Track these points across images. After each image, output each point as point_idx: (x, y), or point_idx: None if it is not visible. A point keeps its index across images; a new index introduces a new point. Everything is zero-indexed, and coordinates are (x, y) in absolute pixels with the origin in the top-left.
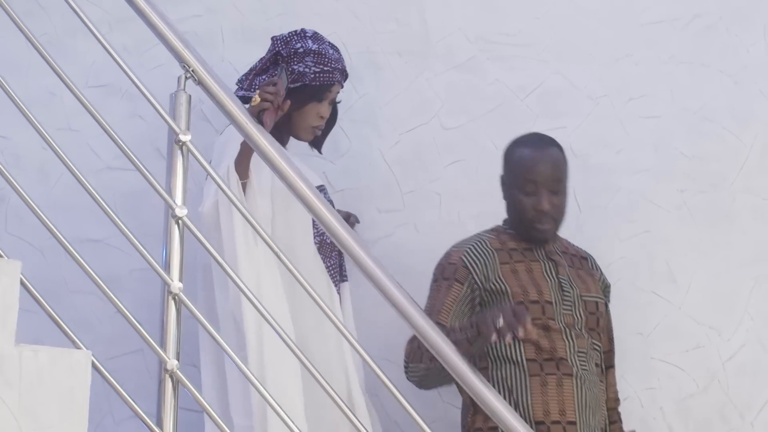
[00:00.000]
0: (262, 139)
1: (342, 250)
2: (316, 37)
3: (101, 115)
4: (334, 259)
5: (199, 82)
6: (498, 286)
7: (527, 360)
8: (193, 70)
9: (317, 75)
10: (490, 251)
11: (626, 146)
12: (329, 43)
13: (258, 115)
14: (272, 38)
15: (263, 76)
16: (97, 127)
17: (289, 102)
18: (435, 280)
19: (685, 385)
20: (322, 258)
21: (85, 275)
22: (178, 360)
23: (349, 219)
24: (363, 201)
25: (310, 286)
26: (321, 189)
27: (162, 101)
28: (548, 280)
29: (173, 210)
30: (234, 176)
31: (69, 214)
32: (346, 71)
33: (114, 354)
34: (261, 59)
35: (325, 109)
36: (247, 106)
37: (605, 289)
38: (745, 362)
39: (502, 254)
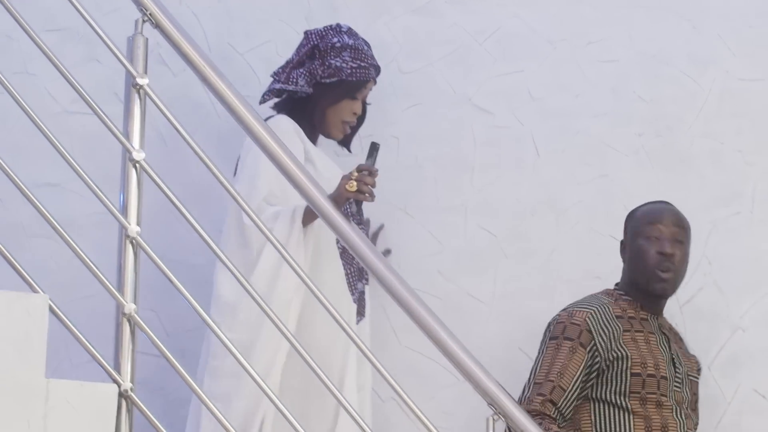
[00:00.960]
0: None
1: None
2: (351, 32)
3: (58, 59)
4: (358, 265)
5: (157, 26)
6: (619, 353)
7: None
8: (150, 14)
9: (354, 70)
10: (612, 318)
11: (584, 90)
12: (363, 39)
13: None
14: (306, 32)
15: (300, 69)
16: (55, 71)
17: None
18: (554, 337)
19: None
20: (343, 263)
21: (42, 219)
22: (136, 304)
23: (379, 230)
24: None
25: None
26: None
27: (119, 45)
28: (663, 353)
29: (131, 154)
30: (298, 223)
31: (26, 158)
32: (379, 68)
33: (72, 298)
34: (297, 52)
35: (358, 106)
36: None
37: (699, 371)
38: (703, 306)
39: (622, 322)
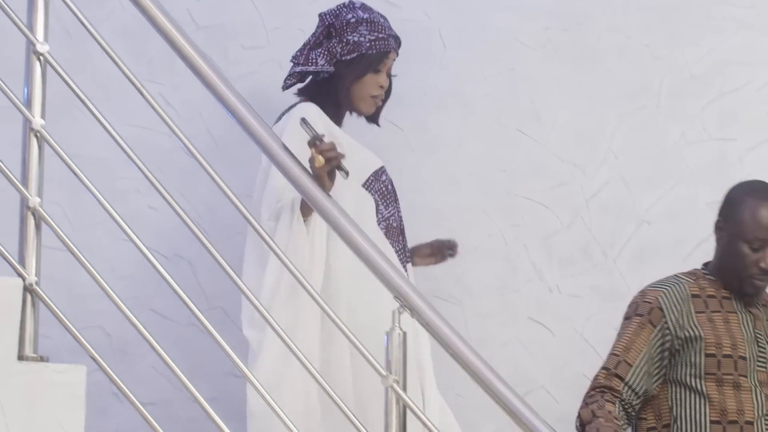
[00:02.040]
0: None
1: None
2: (364, 6)
3: None
4: (401, 243)
5: None
6: (692, 333)
7: (711, 422)
8: None
9: (373, 43)
10: (686, 297)
11: None
12: (378, 12)
13: (329, 175)
14: (320, 15)
15: (318, 50)
16: None
17: (343, 154)
18: (627, 317)
19: (548, 222)
20: (390, 242)
21: None
22: (41, 198)
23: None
24: (227, 37)
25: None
26: (381, 171)
27: None
28: (744, 333)
29: (34, 46)
30: (297, 213)
31: None
32: (399, 38)
33: None
34: (313, 34)
35: (383, 79)
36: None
37: None
38: (609, 200)
39: (698, 302)
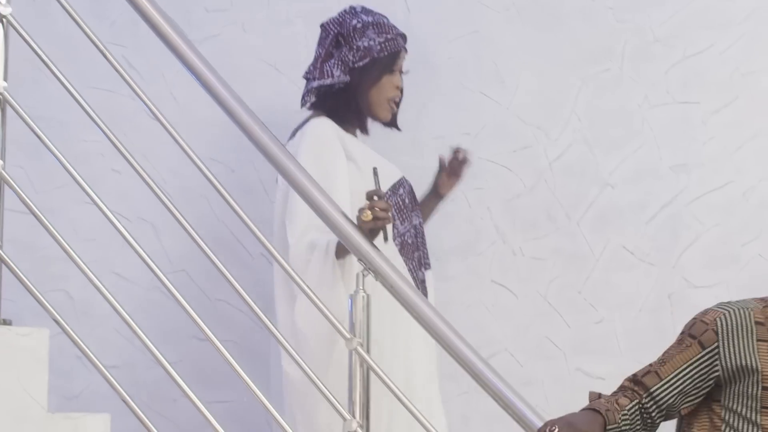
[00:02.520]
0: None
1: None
2: (365, 10)
3: None
4: (417, 256)
5: None
6: (747, 363)
7: None
8: None
9: (383, 45)
10: (748, 323)
11: None
12: (379, 13)
13: (371, 232)
14: (322, 25)
15: (331, 61)
16: None
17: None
18: (681, 333)
19: (512, 185)
20: (404, 260)
21: None
22: (4, 161)
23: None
24: (190, 0)
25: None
26: (399, 183)
27: None
28: None
29: None
30: (332, 256)
31: None
32: (405, 35)
33: None
34: (320, 45)
35: (398, 79)
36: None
37: None
38: (572, 162)
39: (762, 329)
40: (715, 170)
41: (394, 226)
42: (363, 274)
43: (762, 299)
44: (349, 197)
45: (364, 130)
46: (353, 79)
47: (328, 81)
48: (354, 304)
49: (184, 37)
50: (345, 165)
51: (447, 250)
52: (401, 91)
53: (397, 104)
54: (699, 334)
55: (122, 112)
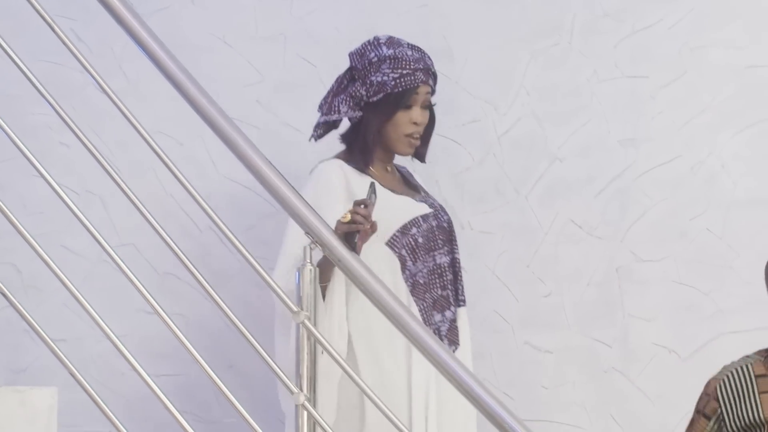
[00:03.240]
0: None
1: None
2: (391, 42)
3: None
4: (435, 295)
5: None
6: (754, 418)
7: None
8: None
9: (397, 81)
10: (749, 380)
11: None
12: (408, 44)
13: (346, 237)
14: (349, 54)
15: (341, 96)
16: None
17: (375, 223)
18: (694, 410)
19: (461, 159)
20: (415, 300)
21: None
22: None
23: None
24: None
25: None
26: (412, 223)
27: None
28: None
29: None
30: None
31: None
32: (430, 69)
33: None
34: (337, 79)
35: (417, 114)
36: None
37: None
38: (521, 136)
39: (763, 382)
40: (663, 145)
41: (405, 267)
42: (310, 248)
43: (761, 351)
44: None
45: (387, 163)
46: (366, 115)
47: (334, 116)
48: (301, 277)
49: (132, 10)
50: (342, 208)
51: None
52: (424, 125)
53: (419, 138)
54: (703, 407)
55: (70, 85)
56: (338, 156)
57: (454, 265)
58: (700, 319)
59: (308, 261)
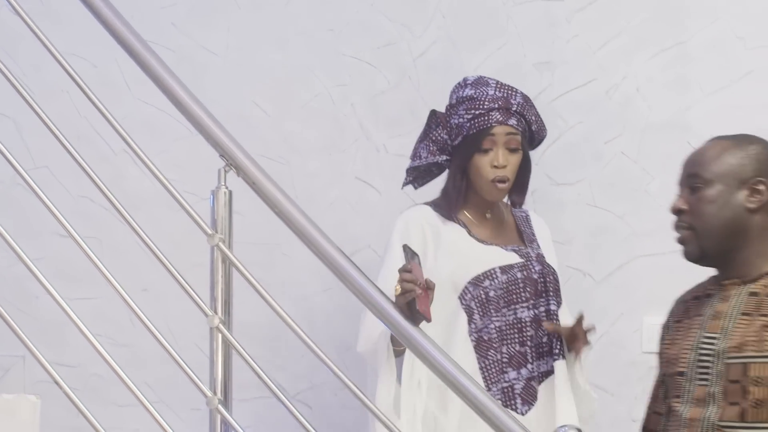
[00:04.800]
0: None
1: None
2: (477, 81)
3: None
4: (511, 351)
5: None
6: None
7: None
8: None
9: (472, 122)
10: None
11: None
12: (497, 83)
13: (408, 306)
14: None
15: (424, 142)
16: None
17: (430, 281)
18: None
19: (376, 82)
20: (477, 357)
21: None
22: None
23: None
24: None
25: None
26: (486, 275)
27: None
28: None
29: None
30: (389, 347)
31: None
32: (511, 108)
33: None
34: (427, 123)
35: (498, 156)
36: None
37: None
38: (436, 59)
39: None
40: (578, 68)
41: (471, 321)
42: (225, 170)
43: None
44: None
45: (485, 208)
46: (452, 160)
47: (416, 162)
48: (216, 200)
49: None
50: (430, 249)
51: (310, 146)
52: (509, 169)
53: (506, 183)
54: None
55: None
56: (430, 202)
57: (548, 318)
58: (615, 243)
59: (222, 184)
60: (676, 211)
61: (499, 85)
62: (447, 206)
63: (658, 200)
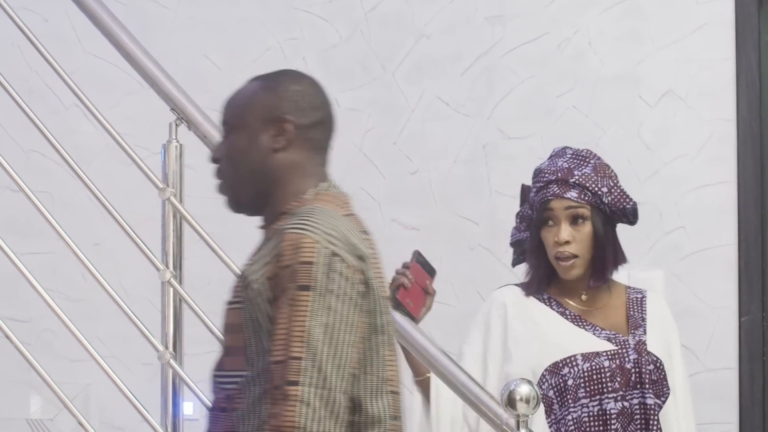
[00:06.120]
0: None
1: None
2: (557, 152)
3: None
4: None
5: None
6: None
7: None
8: None
9: (536, 196)
10: None
11: None
12: (573, 153)
13: (393, 295)
14: None
15: (516, 218)
16: None
17: (434, 289)
18: None
19: (327, 36)
20: None
21: None
22: None
23: None
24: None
25: None
26: (566, 362)
27: None
28: None
29: None
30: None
31: None
32: (569, 180)
33: None
34: None
35: (560, 232)
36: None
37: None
38: (388, 13)
39: None
40: (530, 22)
41: (551, 411)
42: (176, 124)
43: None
44: (476, 361)
45: (582, 289)
46: (530, 236)
47: (511, 240)
48: (167, 153)
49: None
50: (491, 335)
51: None
52: (575, 243)
53: (572, 259)
54: None
55: None
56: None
57: (643, 410)
58: None
59: (174, 138)
60: (214, 161)
61: (573, 155)
62: (528, 285)
63: (610, 154)
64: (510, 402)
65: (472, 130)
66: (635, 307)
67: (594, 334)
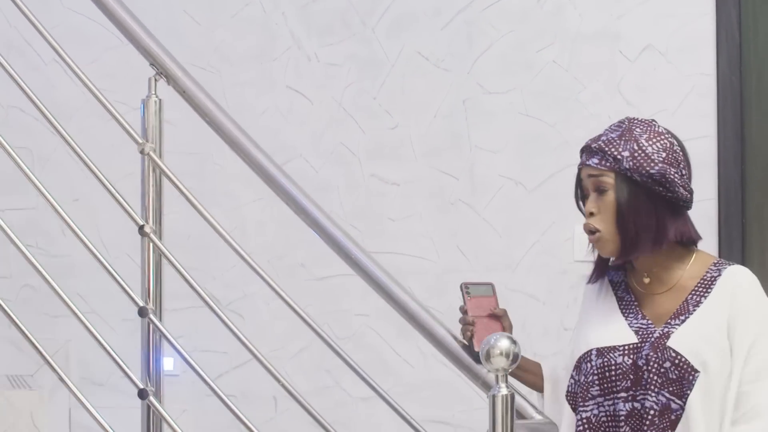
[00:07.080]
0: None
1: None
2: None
3: None
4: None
5: None
6: None
7: None
8: None
9: None
10: None
11: None
12: (617, 124)
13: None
14: None
15: None
16: None
17: (503, 309)
18: None
19: None
20: None
21: None
22: None
23: None
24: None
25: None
26: (586, 357)
27: None
28: None
29: None
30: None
31: None
32: (591, 145)
33: None
34: None
35: (588, 203)
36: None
37: None
38: None
39: None
40: None
41: (576, 411)
42: (155, 79)
43: None
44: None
45: (644, 270)
46: None
47: None
48: (146, 108)
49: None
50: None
51: (241, 55)
52: (596, 214)
53: (594, 233)
54: None
55: None
56: None
57: (657, 413)
58: (546, 151)
59: (153, 93)
60: None
61: (617, 124)
62: (591, 272)
63: (589, 109)
64: (488, 357)
65: (452, 85)
66: (701, 290)
67: (629, 324)
